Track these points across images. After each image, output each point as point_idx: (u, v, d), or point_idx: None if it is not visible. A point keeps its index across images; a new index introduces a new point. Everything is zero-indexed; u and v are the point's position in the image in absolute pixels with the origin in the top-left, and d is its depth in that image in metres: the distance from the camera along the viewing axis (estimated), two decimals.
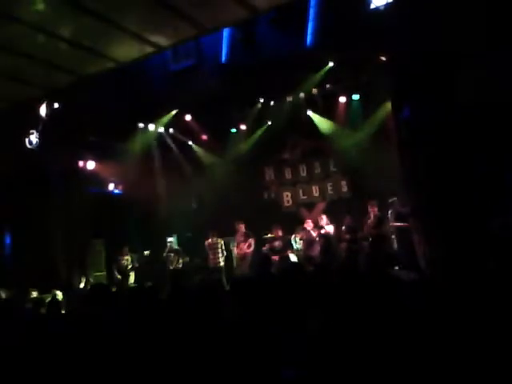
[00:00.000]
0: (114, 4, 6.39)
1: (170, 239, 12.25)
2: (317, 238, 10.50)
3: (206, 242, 11.40)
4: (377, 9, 8.12)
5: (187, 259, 11.87)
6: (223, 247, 11.42)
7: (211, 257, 11.31)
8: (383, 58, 9.49)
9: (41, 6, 6.27)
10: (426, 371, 2.08)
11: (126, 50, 7.66)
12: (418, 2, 7.78)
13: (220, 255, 11.32)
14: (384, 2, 8.07)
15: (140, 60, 8.40)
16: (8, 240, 11.16)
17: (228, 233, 11.77)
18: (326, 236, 10.40)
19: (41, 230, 10.87)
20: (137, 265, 11.77)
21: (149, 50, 7.70)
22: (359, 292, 2.93)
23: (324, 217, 10.73)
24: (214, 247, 11.34)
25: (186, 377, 2.31)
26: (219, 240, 11.39)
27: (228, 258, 11.63)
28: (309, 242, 10.61)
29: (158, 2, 6.43)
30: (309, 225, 10.83)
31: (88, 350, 2.73)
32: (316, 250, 10.47)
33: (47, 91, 9.16)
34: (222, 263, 11.31)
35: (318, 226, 10.78)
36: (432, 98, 8.07)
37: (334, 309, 2.76)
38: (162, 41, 7.49)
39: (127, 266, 11.58)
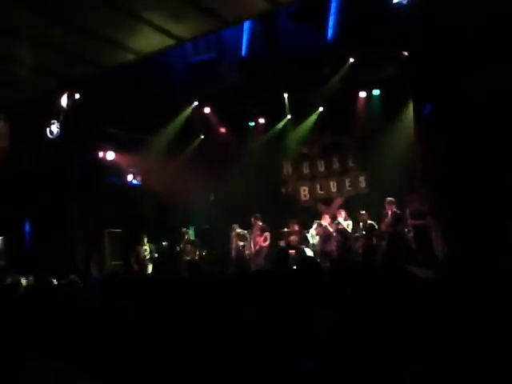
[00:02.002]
0: None
1: (186, 230, 12.34)
2: (334, 234, 10.45)
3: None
4: (400, 3, 8.01)
5: (204, 251, 11.94)
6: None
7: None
8: (405, 54, 9.38)
9: None
10: (438, 366, 2.08)
11: (148, 42, 7.71)
12: None
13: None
14: None
15: (161, 52, 8.43)
16: (27, 228, 11.35)
17: (244, 226, 11.79)
18: (343, 232, 10.35)
19: (59, 218, 11.03)
20: (155, 255, 11.87)
21: (170, 42, 7.73)
22: (375, 288, 2.91)
23: (343, 212, 10.64)
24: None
25: (199, 368, 2.33)
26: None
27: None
28: (325, 238, 10.58)
29: None
30: (326, 220, 10.79)
31: (98, 335, 2.75)
32: (332, 245, 10.43)
33: (69, 82, 9.27)
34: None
35: (335, 222, 10.76)
36: (454, 95, 7.97)
37: (348, 304, 2.75)
38: (183, 33, 7.51)
39: (145, 256, 11.70)
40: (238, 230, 11.36)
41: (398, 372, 2.03)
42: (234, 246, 11.36)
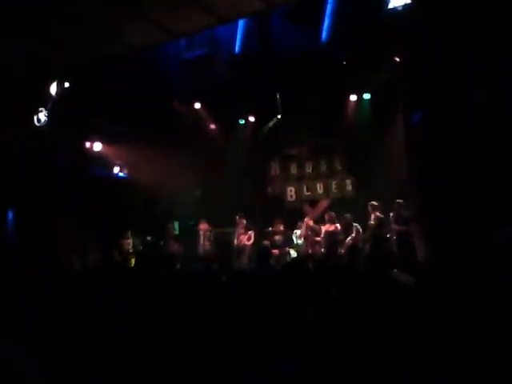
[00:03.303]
0: None
1: (170, 225, 12.31)
2: (321, 235, 10.49)
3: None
4: (394, 9, 8.07)
5: (186, 247, 11.92)
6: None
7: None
8: (397, 59, 9.45)
9: None
10: (419, 369, 2.11)
11: (141, 35, 7.65)
12: (437, 5, 7.73)
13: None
14: (402, 3, 8.02)
15: (154, 46, 8.38)
16: (10, 216, 11.19)
17: (229, 224, 11.80)
18: (331, 234, 10.39)
19: (43, 208, 10.90)
20: (140, 248, 11.82)
21: (164, 36, 7.70)
22: (357, 291, 2.94)
23: (332, 214, 10.67)
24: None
25: (180, 368, 2.32)
26: None
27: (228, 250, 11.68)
28: (311, 239, 10.63)
29: None
30: (309, 221, 10.86)
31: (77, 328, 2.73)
32: (317, 247, 10.48)
33: (59, 70, 9.16)
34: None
35: (319, 223, 10.81)
36: (444, 103, 8.05)
37: (331, 307, 2.78)
38: (178, 28, 7.47)
39: (129, 249, 11.64)
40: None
41: (380, 373, 2.05)
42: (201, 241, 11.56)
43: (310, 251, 10.49)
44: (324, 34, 10.19)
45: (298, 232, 11.08)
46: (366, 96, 11.09)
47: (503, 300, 2.45)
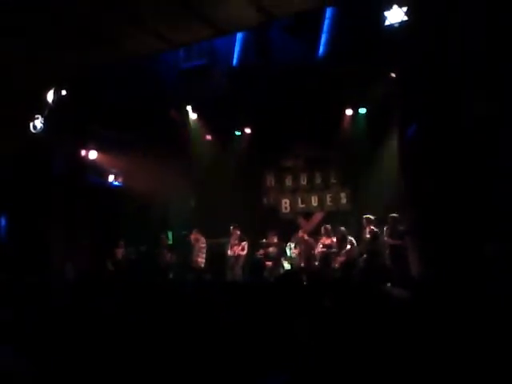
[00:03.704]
0: None
1: (164, 235, 12.27)
2: (317, 249, 10.49)
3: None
4: (391, 26, 8.17)
5: (180, 256, 11.88)
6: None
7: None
8: (393, 75, 9.55)
9: None
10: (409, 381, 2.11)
11: (141, 44, 7.69)
12: (432, 23, 7.84)
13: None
14: (399, 20, 8.12)
15: (153, 55, 8.43)
16: (3, 222, 11.14)
17: (223, 234, 11.78)
18: (327, 247, 10.39)
19: (37, 214, 10.85)
20: (133, 257, 11.77)
21: (163, 46, 7.75)
22: (350, 304, 2.94)
23: (328, 227, 10.68)
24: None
25: (173, 378, 2.31)
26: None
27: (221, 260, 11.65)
28: (305, 251, 10.63)
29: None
30: (303, 234, 10.87)
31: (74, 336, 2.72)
32: (312, 260, 10.48)
33: (57, 77, 9.19)
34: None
35: (313, 235, 10.82)
36: (438, 118, 8.13)
37: (324, 317, 2.78)
38: (176, 38, 7.52)
39: (122, 258, 11.59)
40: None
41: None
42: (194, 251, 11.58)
43: (303, 264, 10.47)
44: (321, 49, 10.29)
45: (292, 245, 11.07)
46: (362, 110, 11.18)
47: (491, 312, 2.46)
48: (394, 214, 9.48)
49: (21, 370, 1.29)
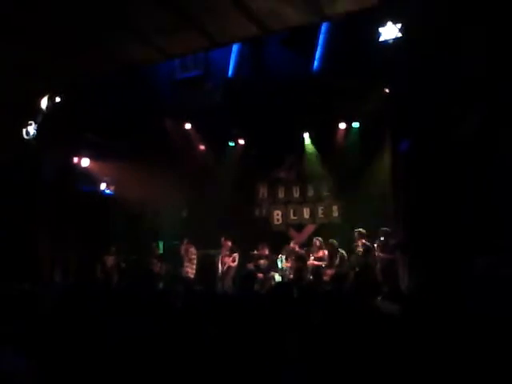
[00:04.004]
0: (128, 5, 6.41)
1: (155, 245, 12.21)
2: (309, 261, 10.47)
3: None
4: (385, 42, 8.26)
5: (170, 267, 11.82)
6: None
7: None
8: (387, 90, 9.64)
9: None
10: None
11: (135, 54, 7.70)
12: (427, 39, 7.94)
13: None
14: (393, 36, 8.21)
15: (147, 65, 8.44)
16: None
17: (214, 245, 11.74)
18: (319, 259, 10.38)
19: (27, 222, 10.76)
20: (123, 265, 11.69)
21: (157, 56, 7.76)
22: (339, 319, 2.94)
23: (320, 240, 10.67)
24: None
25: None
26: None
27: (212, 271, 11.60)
28: (296, 264, 10.60)
29: (173, 9, 6.49)
30: (294, 246, 10.87)
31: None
32: (304, 272, 10.45)
33: (52, 85, 9.18)
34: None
35: (304, 248, 10.81)
36: (431, 133, 8.20)
37: (312, 333, 2.77)
38: (171, 49, 7.54)
39: (112, 265, 11.51)
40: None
41: None
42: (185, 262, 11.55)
43: (292, 277, 10.43)
44: (316, 63, 10.38)
45: (284, 257, 11.05)
46: (355, 124, 11.26)
47: (470, 333, 2.46)
48: (386, 228, 9.50)
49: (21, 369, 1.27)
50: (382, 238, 9.48)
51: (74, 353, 2.48)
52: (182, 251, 11.69)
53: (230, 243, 11.34)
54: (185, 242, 11.74)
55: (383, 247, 9.40)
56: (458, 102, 7.82)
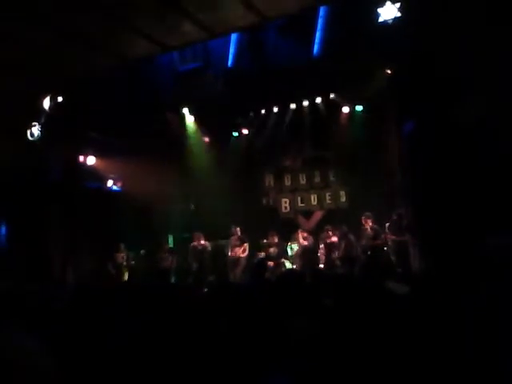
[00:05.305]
0: (126, 1, 6.40)
1: (165, 239, 12.27)
2: (321, 246, 10.52)
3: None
4: (385, 22, 8.17)
5: (180, 260, 11.87)
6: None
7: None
8: (389, 71, 9.56)
9: None
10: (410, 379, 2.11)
11: (134, 48, 7.69)
12: (426, 18, 7.85)
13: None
14: (392, 16, 8.13)
15: (147, 58, 8.42)
16: (3, 230, 11.12)
17: (224, 236, 11.78)
18: (330, 245, 10.41)
19: (37, 222, 10.84)
20: (132, 262, 11.76)
21: (156, 50, 7.73)
22: (352, 301, 2.94)
23: (331, 226, 10.66)
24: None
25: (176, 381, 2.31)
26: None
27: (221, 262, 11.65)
28: (305, 250, 10.65)
29: (170, 3, 6.47)
30: (303, 233, 10.90)
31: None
32: (312, 258, 10.51)
33: (53, 84, 9.19)
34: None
35: (313, 234, 10.84)
36: (434, 113, 8.13)
37: (325, 316, 2.77)
38: (170, 42, 7.52)
39: (123, 262, 11.58)
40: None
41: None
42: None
43: (303, 263, 10.47)
44: (316, 47, 10.31)
45: (294, 244, 11.08)
46: (359, 108, 11.19)
47: (485, 311, 2.46)
48: (399, 210, 9.47)
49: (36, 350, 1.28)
50: (394, 218, 9.45)
51: (87, 351, 2.50)
52: (196, 245, 11.64)
53: (239, 233, 11.38)
54: (196, 234, 11.73)
55: (396, 229, 9.38)
56: (463, 82, 7.75)
